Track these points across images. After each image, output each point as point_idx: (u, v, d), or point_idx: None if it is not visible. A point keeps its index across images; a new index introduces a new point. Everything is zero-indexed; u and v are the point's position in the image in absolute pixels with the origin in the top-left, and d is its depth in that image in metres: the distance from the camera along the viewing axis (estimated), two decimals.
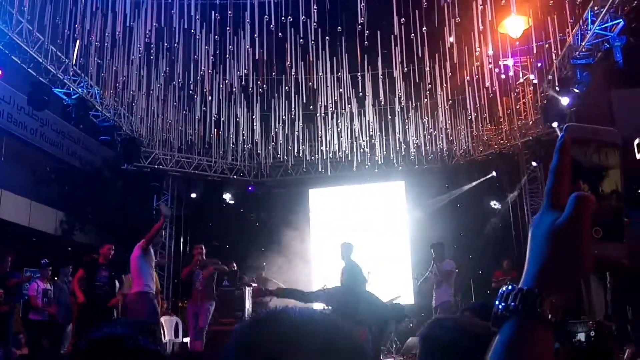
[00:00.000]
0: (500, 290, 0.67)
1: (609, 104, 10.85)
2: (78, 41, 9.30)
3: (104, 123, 10.82)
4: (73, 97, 10.12)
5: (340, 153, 12.75)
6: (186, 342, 10.73)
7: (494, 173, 12.68)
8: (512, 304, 0.63)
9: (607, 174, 0.66)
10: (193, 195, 13.70)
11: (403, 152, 12.78)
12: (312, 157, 13.06)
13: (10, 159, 12.32)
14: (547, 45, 9.74)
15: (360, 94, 11.05)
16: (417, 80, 10.76)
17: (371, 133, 12.21)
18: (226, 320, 9.78)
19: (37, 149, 12.65)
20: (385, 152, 12.84)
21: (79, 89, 10.13)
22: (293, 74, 10.14)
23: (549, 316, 0.61)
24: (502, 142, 12.50)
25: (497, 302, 0.66)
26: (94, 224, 12.69)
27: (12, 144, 12.36)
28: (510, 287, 0.65)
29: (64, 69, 9.80)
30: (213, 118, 11.06)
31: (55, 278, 10.02)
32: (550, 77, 10.31)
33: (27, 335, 9.77)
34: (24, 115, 12.35)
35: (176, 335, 10.65)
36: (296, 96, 10.95)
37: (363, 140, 12.44)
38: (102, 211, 12.47)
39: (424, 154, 12.76)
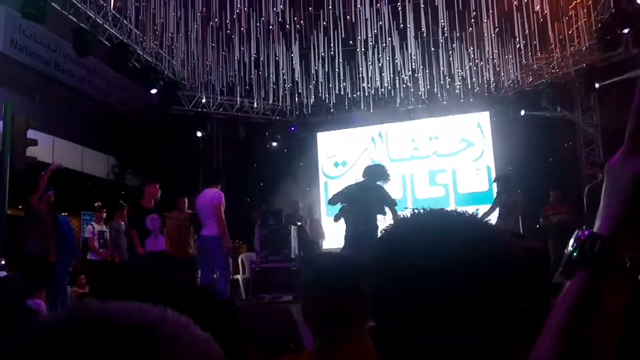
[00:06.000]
0: (575, 234, 0.63)
1: None
2: None
3: (146, 67, 10.93)
4: (115, 42, 10.22)
5: (382, 89, 12.48)
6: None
7: (558, 109, 12.12)
8: (589, 250, 0.59)
9: None
10: (237, 137, 13.82)
11: (447, 86, 12.37)
12: (354, 95, 12.85)
13: (60, 107, 12.68)
14: None
15: (402, 26, 10.66)
16: (461, 9, 10.26)
17: (414, 67, 11.84)
18: (274, 257, 10.11)
19: (85, 96, 12.92)
20: (429, 87, 12.47)
21: (119, 34, 10.22)
22: (330, 7, 9.86)
23: (628, 265, 0.58)
24: (553, 71, 11.90)
25: (571, 248, 0.62)
26: (145, 167, 13.06)
27: (61, 92, 12.66)
28: (586, 232, 0.61)
29: (103, 14, 9.88)
30: (252, 58, 10.96)
31: (111, 221, 10.45)
32: None
33: (87, 275, 10.33)
34: (70, 63, 12.57)
35: None
36: (335, 31, 10.68)
37: (406, 75, 12.11)
38: (151, 155, 12.79)
39: (469, 87, 12.31)
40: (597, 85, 11.14)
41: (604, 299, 0.58)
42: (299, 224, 10.65)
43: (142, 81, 11.37)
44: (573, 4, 10.86)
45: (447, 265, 0.69)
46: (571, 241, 0.61)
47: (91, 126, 12.88)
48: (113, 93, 13.60)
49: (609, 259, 0.58)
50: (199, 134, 13.41)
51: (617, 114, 11.31)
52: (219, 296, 1.46)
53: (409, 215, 0.80)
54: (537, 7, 9.78)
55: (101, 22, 9.82)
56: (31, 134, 8.70)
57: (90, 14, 9.57)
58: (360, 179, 6.89)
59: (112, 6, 9.81)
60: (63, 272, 8.53)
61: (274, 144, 14.01)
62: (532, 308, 0.72)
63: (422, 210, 0.80)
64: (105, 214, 10.04)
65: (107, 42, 10.11)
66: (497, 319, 0.68)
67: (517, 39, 10.78)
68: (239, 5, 9.60)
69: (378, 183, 6.71)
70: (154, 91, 11.40)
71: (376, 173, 6.80)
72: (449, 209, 0.80)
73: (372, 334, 0.76)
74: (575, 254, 0.61)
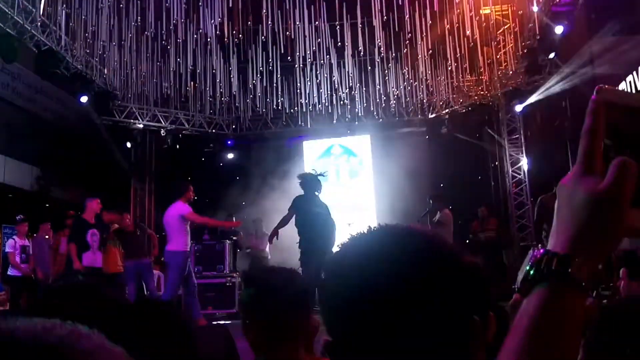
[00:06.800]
0: (530, 253, 0.65)
1: (589, 53, 10.79)
2: None
3: (75, 76, 10.52)
4: (42, 48, 9.79)
5: (320, 105, 12.61)
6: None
7: (488, 130, 12.66)
8: (546, 268, 0.61)
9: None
10: (171, 150, 13.51)
11: (383, 104, 12.67)
12: (292, 110, 12.91)
13: None
14: None
15: (339, 44, 10.84)
16: (396, 30, 10.55)
17: (351, 84, 12.05)
18: (208, 273, 9.92)
19: (9, 104, 12.31)
20: (365, 104, 12.72)
21: (48, 41, 9.80)
22: (269, 23, 9.88)
23: (584, 283, 0.60)
24: (482, 92, 12.44)
25: (527, 267, 0.63)
26: (72, 180, 12.54)
27: None
28: (541, 250, 0.63)
29: (32, 20, 9.45)
30: (188, 70, 10.80)
31: (34, 234, 9.95)
32: (530, 24, 10.20)
33: (8, 291, 9.76)
34: None
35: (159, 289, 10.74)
36: (273, 47, 10.71)
37: (343, 92, 12.30)
38: (79, 167, 12.29)
39: (404, 106, 12.66)
40: (519, 108, 11.75)
41: (562, 316, 0.60)
42: (234, 238, 10.52)
43: (70, 90, 10.93)
44: (501, 30, 11.43)
45: (402, 277, 0.71)
46: (526, 260, 0.64)
47: (14, 135, 12.27)
48: (39, 101, 13.02)
49: (566, 276, 0.60)
50: (128, 144, 13.01)
51: (540, 134, 11.97)
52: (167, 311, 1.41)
53: (364, 231, 0.82)
54: (468, 32, 10.21)
55: (29, 28, 9.38)
56: None
57: (18, 19, 9.12)
58: (299, 189, 7.05)
59: (41, 12, 9.39)
60: None
61: (210, 157, 13.81)
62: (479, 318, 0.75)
63: (376, 226, 0.82)
64: (27, 228, 9.55)
65: (34, 49, 9.67)
66: (450, 329, 0.71)
67: (449, 61, 11.19)
68: (175, 16, 9.45)
69: (316, 193, 6.90)
70: (84, 100, 10.99)
71: (312, 183, 6.99)
72: (404, 224, 0.83)
73: (327, 348, 0.77)
74: (532, 272, 0.62)
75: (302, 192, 7.15)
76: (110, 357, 0.45)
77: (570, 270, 0.60)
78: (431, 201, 9.00)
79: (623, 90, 0.66)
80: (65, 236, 8.95)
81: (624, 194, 0.60)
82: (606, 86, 0.65)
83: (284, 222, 7.21)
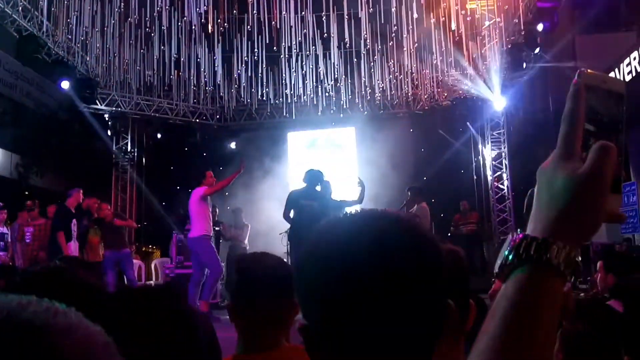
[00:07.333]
0: (509, 238, 0.64)
1: (572, 49, 10.91)
2: None
3: (57, 62, 10.36)
4: (24, 34, 9.62)
5: (305, 97, 12.57)
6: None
7: (468, 125, 12.73)
8: (524, 252, 0.61)
9: (622, 126, 0.64)
10: (154, 139, 13.39)
11: (368, 97, 12.67)
12: (277, 101, 12.85)
13: None
14: None
15: (325, 35, 10.79)
16: (382, 22, 10.54)
17: (336, 76, 12.02)
18: (189, 264, 9.87)
19: None
20: (350, 97, 12.71)
21: (29, 26, 9.62)
22: (255, 12, 9.80)
23: (563, 267, 0.59)
24: (466, 87, 12.49)
25: (506, 252, 0.62)
26: (52, 167, 12.36)
27: None
28: (520, 234, 0.62)
29: (13, 4, 9.27)
30: (172, 58, 10.68)
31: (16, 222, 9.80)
32: (515, 20, 10.25)
33: None
34: None
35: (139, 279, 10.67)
36: (259, 36, 10.63)
37: (328, 84, 12.26)
38: (59, 154, 12.12)
39: (389, 99, 12.67)
40: (503, 102, 11.81)
41: (540, 300, 0.59)
42: (217, 228, 10.48)
43: (52, 76, 10.77)
44: (486, 25, 11.45)
45: (376, 261, 0.70)
46: (505, 244, 0.63)
47: None
48: (20, 87, 12.80)
49: (545, 260, 0.59)
50: (109, 132, 12.87)
51: (523, 129, 12.07)
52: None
53: (341, 216, 0.81)
54: (454, 26, 10.23)
55: (10, 13, 9.20)
56: None
57: None
58: (302, 184, 7.11)
59: None
60: None
61: (193, 147, 13.71)
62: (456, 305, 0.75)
63: (354, 211, 0.82)
64: (6, 215, 9.40)
65: (15, 34, 9.50)
66: (423, 313, 0.70)
67: (435, 55, 11.21)
68: (160, 3, 9.32)
69: (317, 188, 6.97)
70: (65, 85, 10.82)
71: (313, 178, 7.07)
72: (381, 209, 0.82)
73: (302, 331, 0.76)
74: (510, 257, 0.62)
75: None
76: (87, 334, 0.44)
77: (549, 255, 0.59)
78: (409, 193, 8.99)
79: (604, 74, 0.65)
80: (30, 225, 8.87)
81: (604, 178, 0.60)
82: (588, 70, 0.64)
83: (288, 220, 7.12)
